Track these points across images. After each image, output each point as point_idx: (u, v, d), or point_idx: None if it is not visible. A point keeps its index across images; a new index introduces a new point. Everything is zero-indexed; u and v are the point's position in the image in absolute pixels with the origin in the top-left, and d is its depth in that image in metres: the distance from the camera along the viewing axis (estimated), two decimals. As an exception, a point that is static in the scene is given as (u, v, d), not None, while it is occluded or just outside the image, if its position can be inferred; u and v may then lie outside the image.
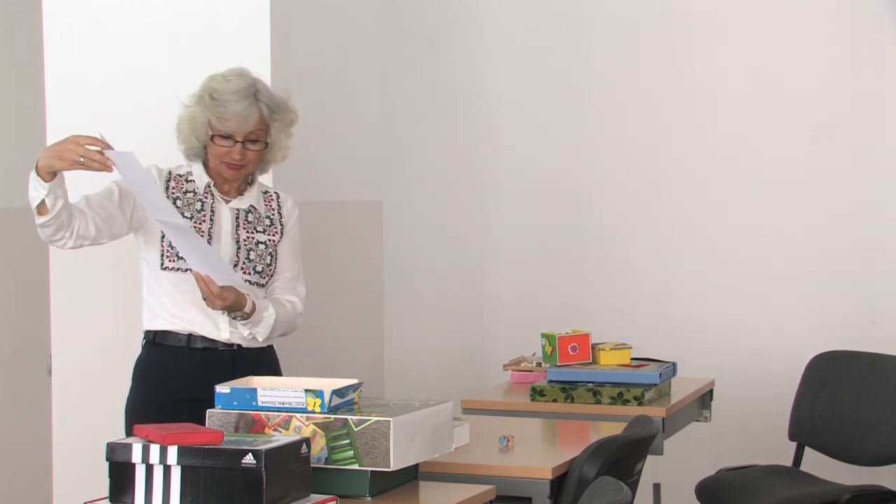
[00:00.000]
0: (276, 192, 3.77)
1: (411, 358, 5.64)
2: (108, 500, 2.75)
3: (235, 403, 2.98)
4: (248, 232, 3.66)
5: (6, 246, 5.65)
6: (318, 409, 2.93)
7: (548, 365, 4.36)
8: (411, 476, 3.07)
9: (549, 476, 3.24)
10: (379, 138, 5.51)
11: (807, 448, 4.78)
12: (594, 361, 4.36)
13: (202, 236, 3.57)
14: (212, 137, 3.58)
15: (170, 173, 3.66)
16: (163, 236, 3.56)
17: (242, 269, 3.61)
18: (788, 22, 5.24)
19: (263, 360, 3.68)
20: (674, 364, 4.40)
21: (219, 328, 3.60)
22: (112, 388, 4.55)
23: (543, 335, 4.41)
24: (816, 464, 4.75)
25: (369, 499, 2.91)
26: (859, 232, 5.17)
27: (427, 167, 5.68)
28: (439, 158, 5.68)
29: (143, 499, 2.71)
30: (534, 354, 4.68)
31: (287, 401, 2.95)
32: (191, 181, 3.65)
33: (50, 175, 3.34)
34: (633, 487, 3.45)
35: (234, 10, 4.54)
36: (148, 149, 4.59)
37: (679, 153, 5.37)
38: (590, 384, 4.19)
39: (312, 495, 2.78)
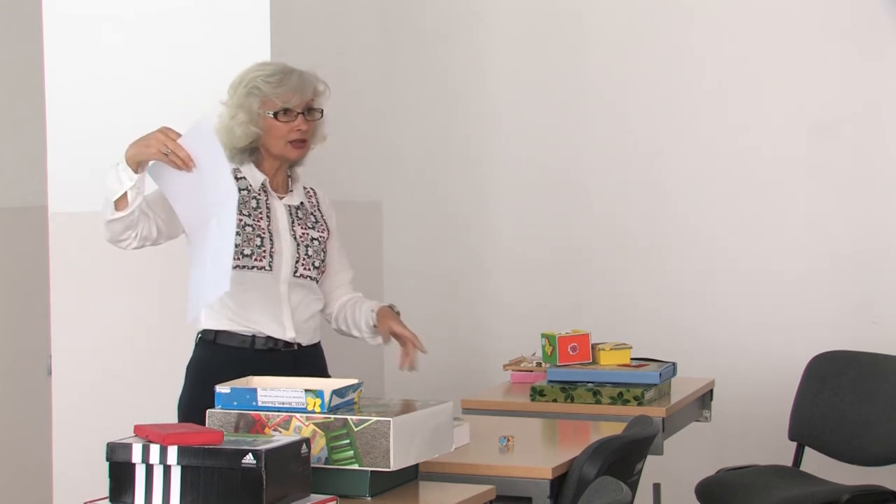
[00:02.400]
0: (312, 189, 3.85)
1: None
2: (108, 500, 2.75)
3: (235, 403, 2.98)
4: (302, 228, 3.72)
5: (6, 246, 5.66)
6: (318, 409, 2.93)
7: (548, 365, 4.36)
8: (411, 476, 3.07)
9: (549, 476, 3.24)
10: (379, 138, 5.51)
11: (807, 448, 4.78)
12: (594, 361, 4.36)
13: (261, 234, 3.62)
14: (274, 115, 3.63)
15: (236, 169, 3.66)
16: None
17: (303, 265, 3.68)
18: (788, 22, 5.24)
19: (318, 357, 3.78)
20: (674, 364, 4.40)
21: (284, 327, 3.65)
22: (112, 388, 4.57)
23: (543, 335, 4.41)
24: (816, 464, 4.75)
25: (369, 499, 2.91)
26: (859, 232, 5.17)
27: (427, 167, 5.68)
28: (439, 158, 5.68)
29: (143, 499, 2.71)
30: (534, 354, 4.68)
31: (287, 401, 2.95)
32: (242, 178, 3.66)
33: (137, 166, 3.35)
34: (633, 487, 3.45)
35: (234, 10, 4.54)
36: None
37: (679, 153, 5.37)
38: (590, 384, 4.19)
39: (312, 495, 2.78)
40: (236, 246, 3.55)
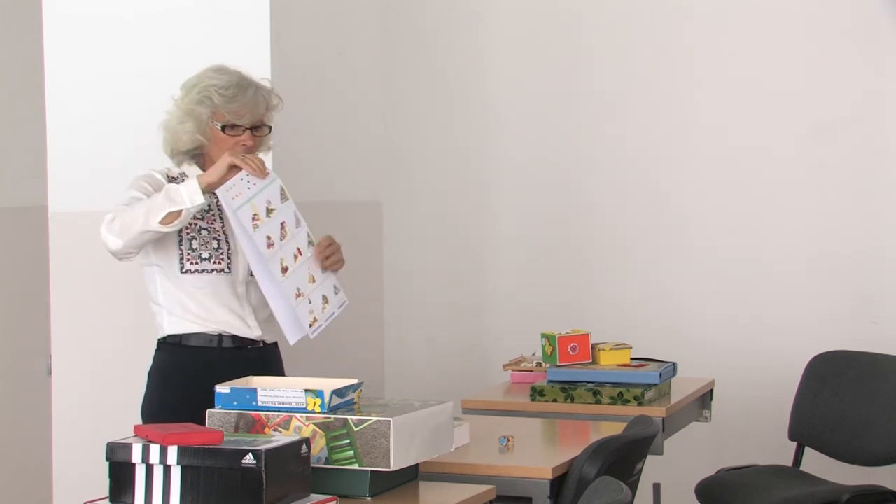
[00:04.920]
0: None
1: (411, 358, 5.64)
2: (108, 500, 2.75)
3: (235, 403, 2.98)
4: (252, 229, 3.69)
5: (6, 246, 5.66)
6: (318, 409, 2.93)
7: (548, 365, 4.36)
8: (411, 476, 3.07)
9: (549, 476, 3.24)
10: (379, 138, 5.51)
11: (807, 448, 4.78)
12: (594, 361, 4.36)
13: (217, 236, 3.61)
14: (222, 128, 3.61)
15: (168, 177, 3.66)
16: (179, 241, 3.58)
17: None
18: (788, 22, 5.24)
19: (278, 354, 3.78)
20: (674, 364, 4.40)
21: (249, 326, 3.65)
22: (112, 388, 4.57)
23: (543, 335, 4.41)
24: (816, 464, 4.75)
25: (369, 499, 2.91)
26: (860, 232, 5.17)
27: (427, 167, 5.68)
28: (439, 158, 5.68)
29: (143, 499, 2.71)
30: (534, 354, 4.68)
31: (287, 401, 2.95)
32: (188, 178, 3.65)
33: (207, 187, 3.45)
34: (633, 487, 3.46)
35: (234, 10, 4.54)
36: (148, 148, 4.61)
37: (679, 153, 5.37)
38: (590, 384, 4.19)
39: (312, 495, 2.78)
40: (193, 250, 3.58)
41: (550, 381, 4.24)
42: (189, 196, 3.43)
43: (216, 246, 3.61)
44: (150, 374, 3.72)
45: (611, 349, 4.35)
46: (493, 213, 5.61)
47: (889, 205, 5.15)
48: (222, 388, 3.01)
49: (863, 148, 5.17)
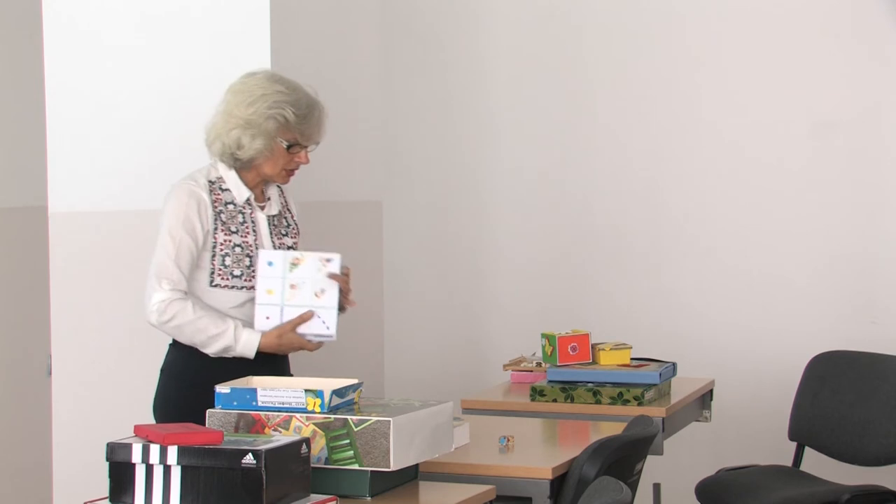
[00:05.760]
0: (277, 186, 3.79)
1: (411, 358, 5.64)
2: (108, 500, 2.75)
3: (235, 403, 2.98)
4: (279, 238, 3.70)
5: (6, 246, 5.66)
6: (318, 409, 2.93)
7: (548, 365, 4.36)
8: (411, 476, 3.07)
9: (549, 476, 3.24)
10: (379, 138, 5.51)
11: (807, 448, 4.78)
12: (594, 361, 4.36)
13: (249, 252, 3.61)
14: (288, 147, 3.60)
15: (209, 182, 3.63)
16: (213, 255, 3.57)
17: None
18: (788, 22, 5.24)
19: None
20: (674, 364, 4.40)
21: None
22: (112, 388, 4.56)
23: (543, 335, 4.41)
24: (816, 464, 4.75)
25: (369, 499, 2.91)
26: (860, 232, 5.17)
27: (427, 167, 5.68)
28: (439, 158, 5.68)
29: (143, 499, 2.71)
30: (534, 354, 4.68)
31: (287, 401, 2.95)
32: (226, 190, 3.63)
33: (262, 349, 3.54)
34: (633, 487, 3.46)
35: (234, 11, 4.54)
36: (148, 148, 4.61)
37: (679, 153, 5.37)
38: (590, 384, 4.19)
39: (312, 495, 2.78)
40: (225, 266, 3.58)
41: (550, 381, 4.24)
42: (243, 347, 3.50)
43: (248, 263, 3.60)
44: (163, 371, 3.72)
45: (611, 349, 4.36)
46: (493, 214, 5.61)
47: (889, 205, 5.15)
48: (222, 388, 3.01)
49: (863, 149, 5.18)
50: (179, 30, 4.57)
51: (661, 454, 3.99)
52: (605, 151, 5.46)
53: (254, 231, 3.63)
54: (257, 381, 3.15)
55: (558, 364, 4.32)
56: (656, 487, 4.43)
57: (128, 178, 4.61)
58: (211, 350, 3.52)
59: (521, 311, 5.51)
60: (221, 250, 3.58)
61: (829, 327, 5.14)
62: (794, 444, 4.80)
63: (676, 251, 5.37)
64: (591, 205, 5.48)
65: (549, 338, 4.38)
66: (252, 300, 3.58)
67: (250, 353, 3.52)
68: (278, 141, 3.59)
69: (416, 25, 5.68)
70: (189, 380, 3.61)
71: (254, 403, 2.97)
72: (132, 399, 4.50)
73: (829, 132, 5.19)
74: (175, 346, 3.69)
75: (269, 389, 2.98)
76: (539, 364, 4.54)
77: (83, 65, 4.62)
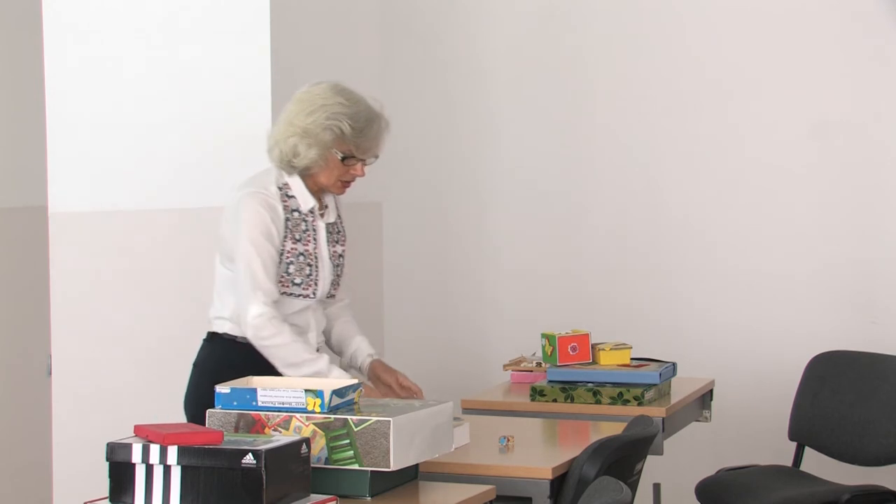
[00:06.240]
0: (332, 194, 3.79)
1: (411, 358, 5.63)
2: (108, 500, 2.75)
3: (235, 403, 2.98)
4: (333, 246, 3.72)
5: (6, 246, 5.66)
6: (318, 409, 2.93)
7: (548, 365, 4.36)
8: (411, 476, 3.07)
9: (549, 476, 3.24)
10: (379, 138, 5.50)
11: (807, 448, 4.78)
12: (594, 361, 4.36)
13: (310, 261, 3.62)
14: (343, 158, 3.60)
15: (279, 189, 3.62)
16: (279, 264, 3.57)
17: (333, 285, 3.72)
18: (788, 23, 5.24)
19: None
20: (674, 364, 4.40)
21: (309, 343, 3.67)
22: (112, 388, 4.57)
23: (543, 335, 4.41)
24: (816, 464, 4.75)
25: (369, 499, 2.91)
26: (860, 232, 5.17)
27: (427, 168, 5.68)
28: (439, 159, 5.68)
29: (143, 499, 2.71)
30: (534, 354, 4.68)
31: (287, 401, 2.95)
32: (292, 197, 3.63)
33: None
34: (633, 487, 3.46)
35: (233, 11, 4.54)
36: (148, 148, 4.61)
37: (679, 154, 5.37)
38: (590, 384, 4.19)
39: (312, 495, 2.78)
40: (288, 274, 3.58)
41: (550, 381, 4.24)
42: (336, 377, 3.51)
43: (308, 272, 3.63)
44: (196, 366, 3.71)
45: (611, 349, 4.35)
46: (492, 214, 5.61)
47: (889, 205, 5.15)
48: (222, 388, 3.01)
49: (863, 148, 5.17)
50: (179, 30, 4.57)
51: (661, 454, 3.99)
52: (605, 151, 5.46)
53: (314, 239, 3.65)
54: (257, 381, 3.15)
55: (558, 364, 4.32)
56: (656, 487, 4.43)
57: (128, 178, 4.61)
58: (300, 372, 3.50)
59: (521, 311, 5.51)
60: (287, 258, 3.59)
61: (829, 327, 5.14)
62: (794, 444, 4.79)
63: (676, 251, 5.37)
64: (591, 205, 5.48)
65: (549, 338, 4.38)
66: (308, 308, 3.64)
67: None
68: (333, 152, 3.59)
69: (416, 25, 5.68)
70: (224, 376, 3.61)
71: (254, 403, 2.97)
72: (132, 399, 4.51)
73: (829, 132, 5.19)
74: (210, 341, 3.70)
75: (269, 389, 2.98)
76: (539, 364, 4.54)
77: (83, 65, 4.62)
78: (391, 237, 5.65)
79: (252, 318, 3.50)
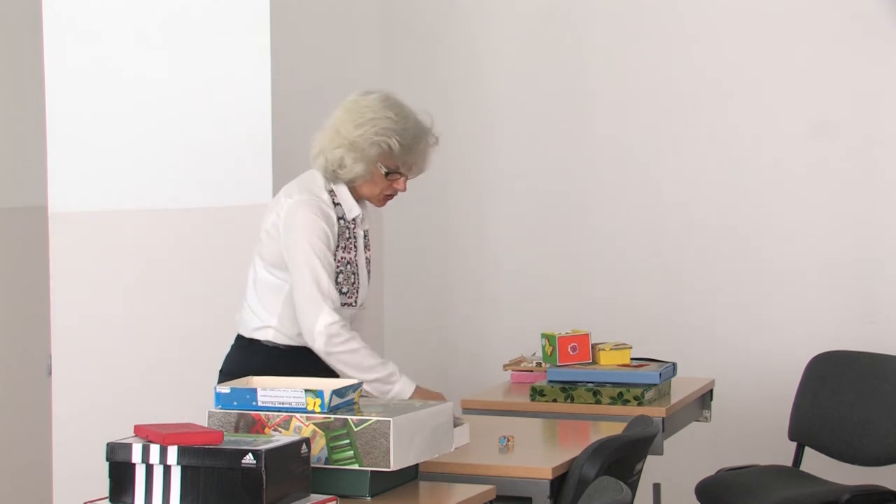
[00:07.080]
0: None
1: (411, 358, 5.63)
2: (108, 500, 2.75)
3: (235, 403, 2.98)
4: (367, 253, 3.71)
5: (6, 246, 5.66)
6: (318, 409, 2.93)
7: (548, 365, 4.36)
8: (411, 476, 3.07)
9: (549, 476, 3.24)
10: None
11: (807, 448, 4.78)
12: (594, 361, 4.36)
13: (354, 270, 3.62)
14: (387, 173, 3.59)
15: (331, 191, 3.61)
16: (338, 275, 3.56)
17: (367, 292, 3.70)
18: (788, 23, 5.24)
19: None
20: (674, 364, 4.40)
21: None
22: (112, 388, 4.57)
23: (543, 335, 4.41)
24: (816, 464, 4.75)
25: (369, 499, 2.91)
26: (859, 232, 5.17)
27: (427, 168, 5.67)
28: (439, 159, 5.66)
29: (143, 499, 2.71)
30: (534, 354, 4.68)
31: (287, 401, 2.95)
32: (338, 205, 3.62)
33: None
34: (633, 487, 3.46)
35: (233, 11, 4.54)
36: (148, 148, 4.61)
37: (679, 154, 5.37)
38: (590, 384, 4.19)
39: (312, 495, 2.78)
40: (336, 283, 3.55)
41: (550, 381, 4.24)
42: (403, 384, 3.50)
43: (353, 281, 3.62)
44: (223, 372, 3.66)
45: (611, 349, 4.35)
46: (492, 214, 5.61)
47: (889, 205, 5.15)
48: (222, 388, 3.01)
49: (863, 148, 5.17)
50: (179, 30, 4.57)
51: (661, 454, 3.99)
52: (605, 151, 5.46)
53: (355, 247, 3.64)
54: (257, 381, 3.15)
55: (558, 364, 4.32)
56: (656, 487, 4.42)
57: (128, 178, 4.61)
58: (371, 376, 3.47)
59: (521, 312, 5.51)
60: (337, 267, 3.57)
61: (829, 327, 5.14)
62: (794, 444, 4.80)
63: (676, 252, 5.37)
64: (591, 204, 5.47)
65: (549, 338, 4.38)
66: (355, 317, 3.63)
67: (410, 389, 3.51)
68: (378, 166, 3.58)
69: (416, 25, 5.68)
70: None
71: (254, 403, 2.97)
72: (132, 399, 4.51)
73: (829, 132, 5.19)
74: (237, 345, 3.68)
75: (268, 389, 2.98)
76: (539, 364, 4.54)
77: (83, 65, 4.62)
78: (390, 237, 5.65)
79: (325, 327, 3.46)
